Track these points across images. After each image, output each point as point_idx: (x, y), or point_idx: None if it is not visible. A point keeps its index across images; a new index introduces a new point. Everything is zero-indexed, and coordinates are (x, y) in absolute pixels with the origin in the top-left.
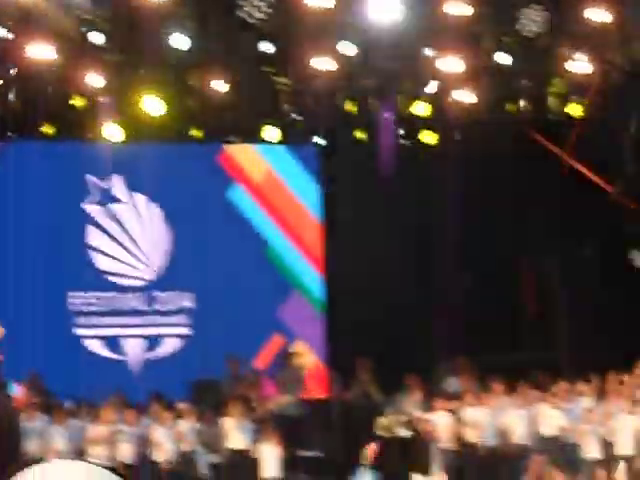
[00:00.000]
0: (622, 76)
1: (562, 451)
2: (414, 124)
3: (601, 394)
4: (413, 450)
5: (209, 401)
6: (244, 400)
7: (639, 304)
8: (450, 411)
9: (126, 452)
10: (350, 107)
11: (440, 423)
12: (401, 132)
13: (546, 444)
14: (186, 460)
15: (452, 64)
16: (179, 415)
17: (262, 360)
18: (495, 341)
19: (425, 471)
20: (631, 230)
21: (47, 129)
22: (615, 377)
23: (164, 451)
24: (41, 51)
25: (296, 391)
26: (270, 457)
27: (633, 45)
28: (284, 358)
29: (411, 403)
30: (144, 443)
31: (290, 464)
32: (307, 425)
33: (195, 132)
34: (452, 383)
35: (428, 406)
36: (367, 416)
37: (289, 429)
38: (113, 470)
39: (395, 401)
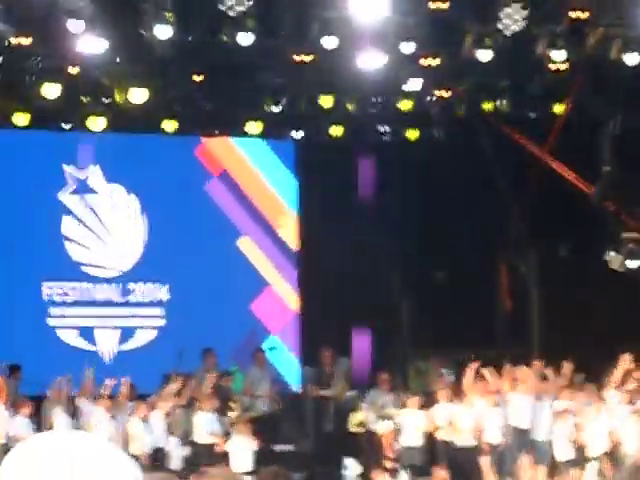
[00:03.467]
0: (602, 75)
1: (534, 446)
2: (397, 120)
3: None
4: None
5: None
6: (218, 394)
7: (615, 305)
8: (422, 407)
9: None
10: (328, 102)
11: (412, 420)
12: (384, 128)
13: (519, 437)
14: (159, 453)
15: (433, 61)
16: (153, 407)
17: (237, 354)
18: (469, 337)
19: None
20: (608, 231)
21: (22, 118)
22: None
23: (139, 443)
24: (17, 38)
25: (270, 386)
26: (243, 451)
27: (614, 43)
28: (258, 353)
29: (383, 399)
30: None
31: (263, 458)
32: (281, 420)
33: (174, 124)
34: (424, 379)
35: (399, 402)
36: (341, 411)
37: (263, 423)
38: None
39: (368, 397)
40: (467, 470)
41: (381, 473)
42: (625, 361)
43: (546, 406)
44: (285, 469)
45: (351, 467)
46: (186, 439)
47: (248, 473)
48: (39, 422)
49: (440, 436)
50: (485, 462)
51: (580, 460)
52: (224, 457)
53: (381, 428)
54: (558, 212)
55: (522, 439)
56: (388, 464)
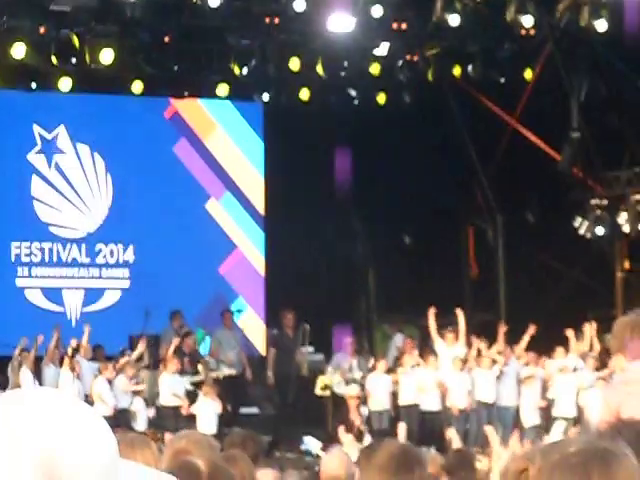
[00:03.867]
0: (572, 41)
1: (498, 415)
2: (366, 84)
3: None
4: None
5: (148, 355)
6: (183, 356)
7: (581, 271)
8: (389, 372)
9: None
10: (297, 66)
11: (379, 384)
12: (353, 92)
13: (484, 408)
14: (124, 414)
15: (403, 25)
16: (118, 369)
17: (204, 316)
18: (436, 302)
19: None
20: (575, 197)
21: None
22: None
23: (104, 404)
24: None
25: (238, 348)
26: (207, 413)
27: (583, 9)
28: (226, 314)
29: (348, 362)
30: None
31: (228, 421)
32: (246, 382)
33: (142, 85)
34: (394, 343)
35: (366, 366)
36: (307, 374)
37: (228, 386)
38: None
39: (333, 360)
40: (433, 434)
41: (347, 434)
42: (591, 329)
43: (511, 373)
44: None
45: (310, 444)
46: (151, 400)
47: (213, 436)
48: (4, 382)
49: (407, 400)
50: (451, 429)
51: (546, 425)
52: (188, 419)
53: (347, 392)
54: (526, 178)
55: (488, 410)
56: (354, 428)
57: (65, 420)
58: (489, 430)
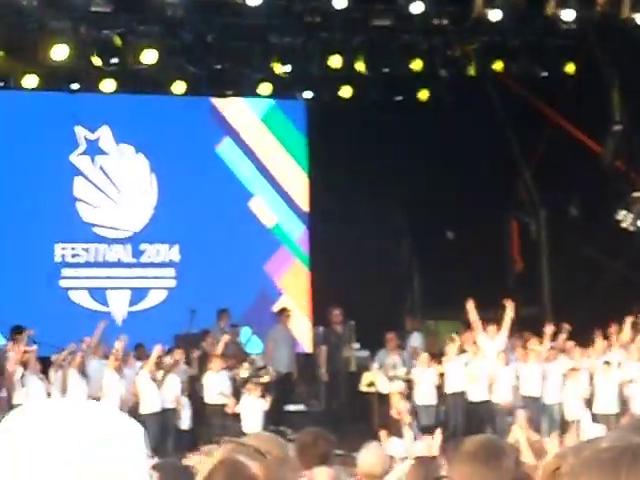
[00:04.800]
0: (612, 34)
1: (543, 411)
2: (408, 80)
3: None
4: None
5: (194, 355)
6: (229, 355)
7: (625, 264)
8: (435, 366)
9: (112, 403)
10: (338, 63)
11: (425, 379)
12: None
13: (527, 403)
14: (170, 413)
15: (445, 19)
16: (164, 368)
17: (249, 314)
18: (480, 298)
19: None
20: (618, 190)
21: (32, 79)
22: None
23: (149, 403)
24: None
25: (284, 347)
26: (253, 411)
27: (624, 2)
28: (273, 314)
29: (391, 359)
30: (129, 394)
31: (275, 419)
32: (293, 380)
33: (184, 85)
34: (409, 342)
35: (409, 362)
36: (352, 372)
37: (275, 384)
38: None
39: (377, 357)
40: (482, 425)
41: (385, 431)
42: (634, 321)
43: (555, 369)
44: (297, 430)
45: None
46: (197, 399)
47: None
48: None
49: (452, 389)
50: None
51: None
52: (234, 417)
53: (391, 389)
54: (568, 172)
55: (534, 405)
56: (396, 424)
57: (99, 433)
58: (516, 429)
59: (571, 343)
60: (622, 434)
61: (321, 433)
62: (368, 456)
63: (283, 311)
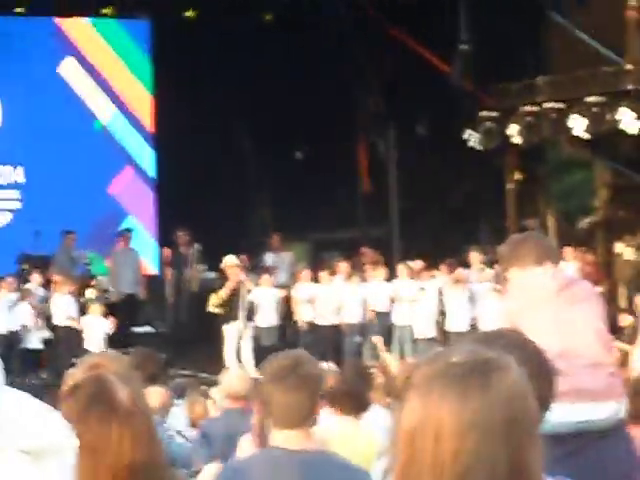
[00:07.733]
0: None
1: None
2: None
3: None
4: None
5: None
6: (75, 276)
7: (472, 184)
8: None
9: None
10: None
11: (270, 300)
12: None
13: (379, 321)
14: (18, 335)
15: None
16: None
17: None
18: (328, 219)
19: None
20: (466, 110)
21: None
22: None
23: None
24: None
25: (127, 268)
26: (95, 332)
27: None
28: (123, 235)
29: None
30: None
31: (121, 340)
32: (139, 302)
33: (26, 5)
34: (268, 258)
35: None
36: (200, 292)
37: (121, 305)
38: None
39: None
40: (328, 349)
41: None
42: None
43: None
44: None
45: None
46: (46, 321)
47: None
48: None
49: (301, 316)
50: (347, 342)
51: (441, 338)
52: (79, 336)
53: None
54: (418, 91)
55: (381, 321)
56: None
57: None
58: (377, 339)
59: (419, 263)
60: (474, 348)
61: (149, 354)
62: (231, 378)
63: (124, 232)
